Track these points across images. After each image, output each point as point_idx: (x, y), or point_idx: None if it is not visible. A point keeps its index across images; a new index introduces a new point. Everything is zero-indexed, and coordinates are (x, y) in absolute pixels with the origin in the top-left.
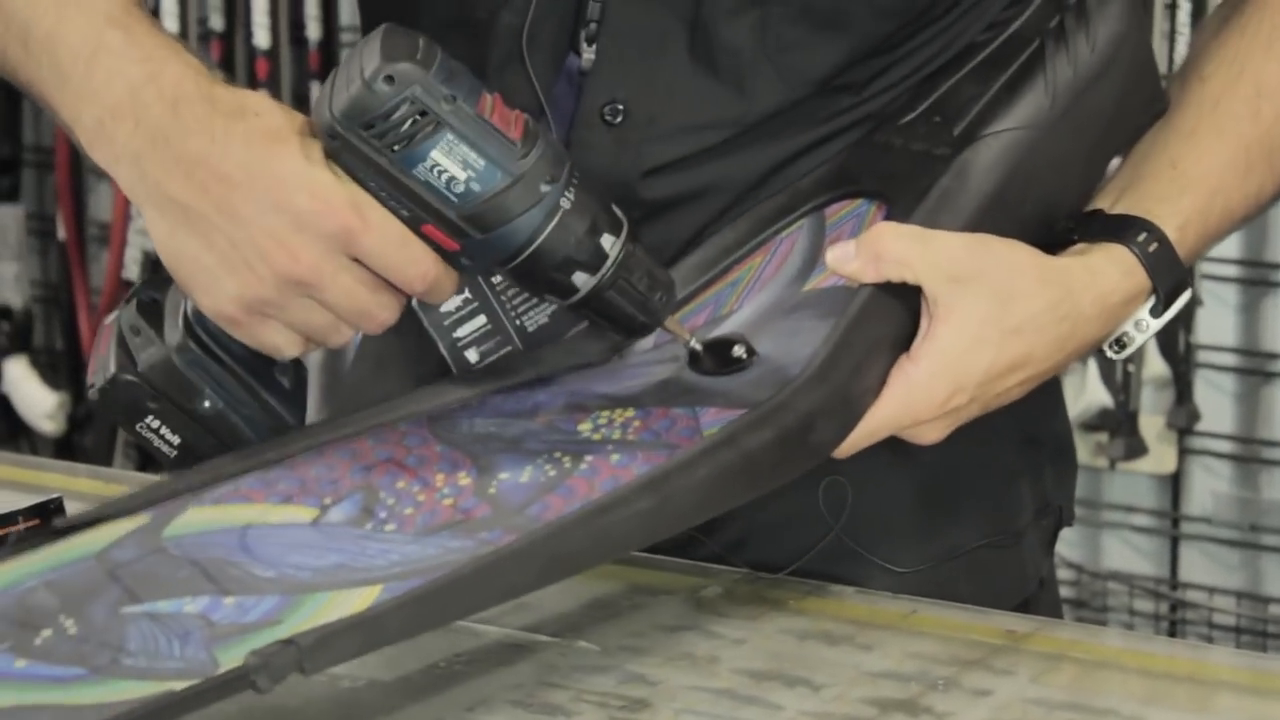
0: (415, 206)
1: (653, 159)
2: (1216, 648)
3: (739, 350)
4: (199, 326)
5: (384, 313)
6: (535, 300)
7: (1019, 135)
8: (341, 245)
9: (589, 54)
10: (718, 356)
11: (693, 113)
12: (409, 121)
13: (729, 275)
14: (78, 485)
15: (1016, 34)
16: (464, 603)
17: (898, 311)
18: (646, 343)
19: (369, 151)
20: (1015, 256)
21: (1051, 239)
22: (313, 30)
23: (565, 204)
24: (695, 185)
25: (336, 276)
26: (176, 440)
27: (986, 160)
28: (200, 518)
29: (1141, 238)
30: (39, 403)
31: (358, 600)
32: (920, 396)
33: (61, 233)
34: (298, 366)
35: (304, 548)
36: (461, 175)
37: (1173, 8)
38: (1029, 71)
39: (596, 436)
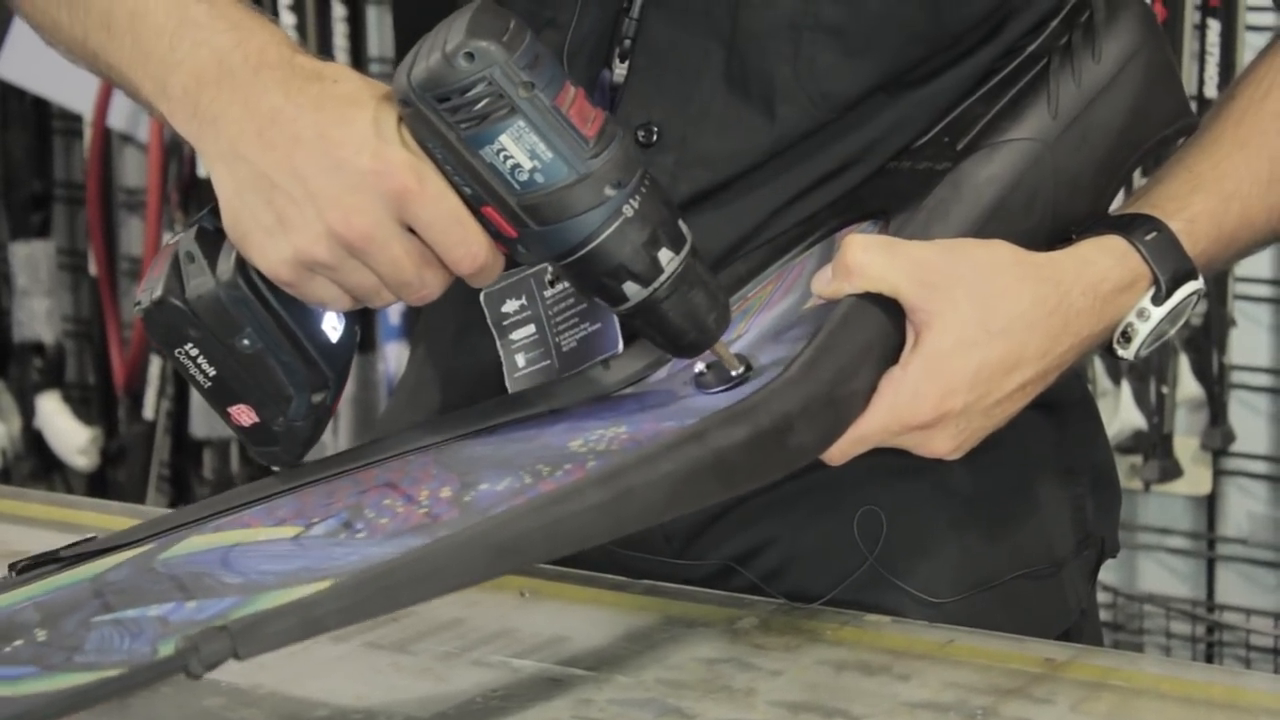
0: (478, 187)
1: (682, 182)
2: (1255, 674)
3: (738, 367)
4: (251, 267)
5: (426, 289)
6: (574, 321)
7: (1019, 145)
8: (396, 210)
9: (621, 70)
10: (719, 375)
11: (723, 136)
12: (483, 102)
13: (742, 305)
14: (111, 522)
15: (1030, 56)
16: (405, 591)
17: (884, 321)
18: (660, 374)
19: (439, 124)
20: (994, 256)
21: (1055, 245)
22: (340, 60)
23: (628, 211)
24: (719, 218)
25: (387, 244)
26: (212, 372)
27: (985, 172)
28: (196, 543)
29: (1138, 228)
30: (72, 438)
31: (304, 593)
32: (907, 401)
33: (93, 268)
34: (349, 319)
35: (278, 558)
36: (527, 164)
37: (1202, 28)
38: (1033, 87)
39: (583, 450)
